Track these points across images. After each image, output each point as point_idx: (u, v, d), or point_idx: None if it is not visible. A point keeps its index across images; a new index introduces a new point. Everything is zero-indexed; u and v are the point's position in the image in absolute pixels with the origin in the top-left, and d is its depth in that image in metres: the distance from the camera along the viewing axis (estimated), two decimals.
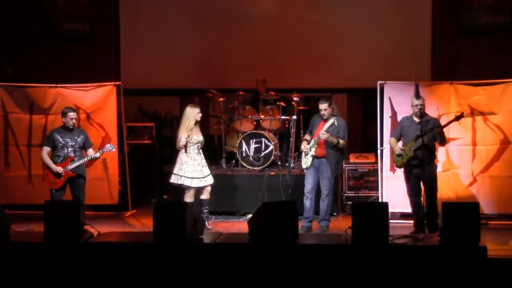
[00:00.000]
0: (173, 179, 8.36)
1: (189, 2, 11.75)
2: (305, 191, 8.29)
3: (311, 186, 8.26)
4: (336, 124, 8.00)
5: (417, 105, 7.80)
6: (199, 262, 6.20)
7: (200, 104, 9.32)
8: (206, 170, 8.43)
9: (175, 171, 8.36)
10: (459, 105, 8.73)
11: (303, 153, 8.34)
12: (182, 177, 8.30)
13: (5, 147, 9.69)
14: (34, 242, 6.43)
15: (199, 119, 8.39)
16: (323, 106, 8.18)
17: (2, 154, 9.67)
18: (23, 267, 6.27)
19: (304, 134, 8.84)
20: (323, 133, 7.98)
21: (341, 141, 8.10)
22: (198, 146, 8.37)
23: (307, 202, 8.25)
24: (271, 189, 9.33)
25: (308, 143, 8.25)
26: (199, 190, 8.41)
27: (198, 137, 8.37)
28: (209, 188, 8.45)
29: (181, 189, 8.47)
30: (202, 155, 8.43)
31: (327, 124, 8.03)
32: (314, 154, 8.18)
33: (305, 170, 8.35)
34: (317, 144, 8.13)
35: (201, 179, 8.35)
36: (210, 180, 8.44)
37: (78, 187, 8.14)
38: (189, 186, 8.31)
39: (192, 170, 8.31)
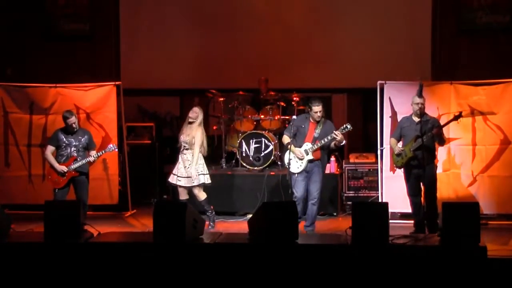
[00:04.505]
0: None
1: (189, 2, 11.74)
2: (297, 197, 8.00)
3: (302, 191, 8.04)
4: (350, 128, 7.91)
5: (418, 103, 7.78)
6: (199, 262, 6.20)
7: (200, 104, 9.34)
8: (186, 172, 8.38)
9: None
10: (459, 105, 8.73)
11: (293, 157, 8.03)
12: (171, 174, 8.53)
13: (5, 147, 9.69)
14: (34, 242, 6.44)
15: (190, 115, 8.48)
16: (318, 108, 7.97)
17: (2, 154, 9.68)
18: (23, 267, 6.27)
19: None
20: (337, 133, 7.80)
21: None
22: (185, 146, 8.40)
23: (299, 207, 7.83)
24: (271, 189, 9.33)
25: (299, 147, 8.02)
26: (190, 192, 8.46)
27: (182, 136, 8.44)
28: (195, 190, 8.43)
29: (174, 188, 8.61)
30: (187, 155, 8.39)
31: (320, 127, 8.01)
32: (312, 157, 8.01)
33: (296, 175, 8.06)
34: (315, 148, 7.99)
35: (178, 177, 8.41)
36: (185, 182, 8.38)
37: (81, 186, 8.16)
38: (170, 183, 8.50)
39: (176, 168, 8.46)
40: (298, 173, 8.05)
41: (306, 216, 8.08)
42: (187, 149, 8.40)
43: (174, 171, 8.48)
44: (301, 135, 8.09)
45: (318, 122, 8.07)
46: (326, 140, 7.93)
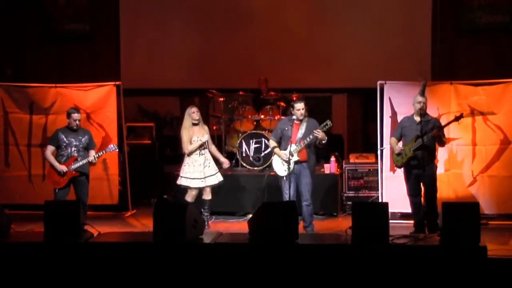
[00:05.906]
0: (178, 181, 8.44)
1: (189, 2, 11.76)
2: (286, 199, 7.95)
3: (292, 193, 7.99)
4: (331, 125, 7.91)
5: (420, 102, 7.75)
6: (199, 262, 6.20)
7: (200, 104, 9.35)
8: (209, 171, 8.39)
9: (180, 172, 8.43)
10: (459, 105, 8.73)
11: (279, 161, 8.07)
12: (182, 178, 8.35)
13: (5, 147, 9.69)
14: (34, 242, 6.44)
15: (195, 117, 8.37)
16: (301, 105, 8.00)
17: (2, 154, 9.68)
18: (23, 267, 6.27)
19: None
20: (318, 131, 7.80)
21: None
22: (204, 146, 8.35)
23: None
24: (271, 189, 9.31)
25: (284, 150, 8.00)
26: (201, 191, 8.43)
27: (200, 138, 8.36)
28: (208, 189, 8.42)
29: (183, 188, 8.49)
30: (206, 155, 8.39)
31: (304, 127, 7.98)
32: (298, 158, 7.97)
33: (284, 178, 8.03)
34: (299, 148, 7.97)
35: (205, 179, 8.34)
36: (212, 180, 8.39)
37: (81, 186, 8.15)
38: (188, 186, 8.34)
39: (192, 171, 8.32)
40: (285, 176, 8.02)
41: (303, 218, 8.06)
42: (204, 149, 8.38)
43: (194, 174, 8.29)
44: (286, 137, 8.07)
45: (301, 121, 8.07)
46: (309, 139, 7.92)
